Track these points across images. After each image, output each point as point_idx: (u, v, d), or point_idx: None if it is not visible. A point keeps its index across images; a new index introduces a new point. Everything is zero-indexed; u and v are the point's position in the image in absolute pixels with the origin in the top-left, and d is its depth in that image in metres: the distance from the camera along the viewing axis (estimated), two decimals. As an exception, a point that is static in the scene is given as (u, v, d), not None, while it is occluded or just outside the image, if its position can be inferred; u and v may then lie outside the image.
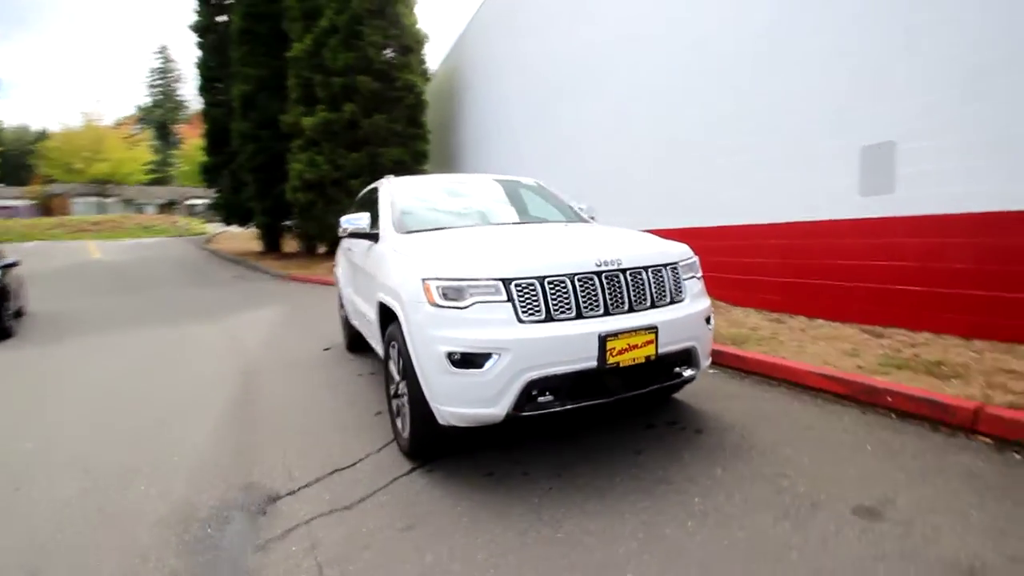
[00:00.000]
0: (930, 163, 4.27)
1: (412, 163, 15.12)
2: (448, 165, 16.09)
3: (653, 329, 2.51)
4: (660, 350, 2.53)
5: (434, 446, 2.74)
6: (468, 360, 2.34)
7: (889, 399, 3.14)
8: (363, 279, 3.77)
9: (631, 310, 2.55)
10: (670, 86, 6.91)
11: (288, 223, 18.95)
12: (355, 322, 4.79)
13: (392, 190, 3.92)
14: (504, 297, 2.39)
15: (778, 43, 5.45)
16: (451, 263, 2.52)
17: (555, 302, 2.42)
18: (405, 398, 2.82)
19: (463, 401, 2.39)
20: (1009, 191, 3.83)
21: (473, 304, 2.38)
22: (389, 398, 3.14)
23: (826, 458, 2.62)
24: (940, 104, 4.18)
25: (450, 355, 2.35)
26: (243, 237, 23.45)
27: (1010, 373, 3.31)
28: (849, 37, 4.80)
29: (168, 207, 42.94)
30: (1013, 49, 3.78)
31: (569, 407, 2.44)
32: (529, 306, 2.39)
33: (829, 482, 2.38)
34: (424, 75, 15.08)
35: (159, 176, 45.99)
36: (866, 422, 3.01)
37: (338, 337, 6.14)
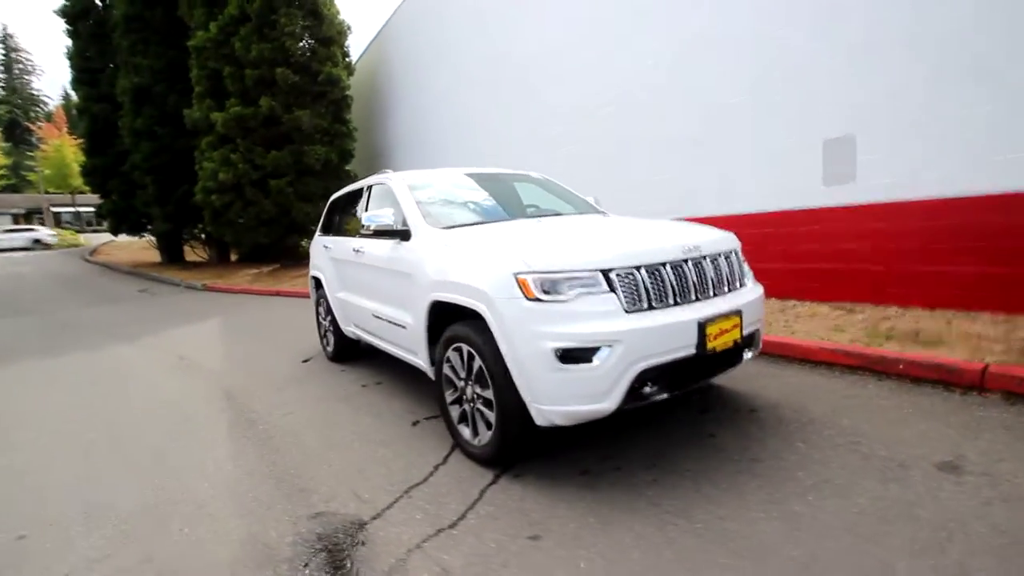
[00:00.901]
0: (885, 156, 4.79)
1: (339, 162, 14.39)
2: (374, 165, 15.46)
3: (739, 313, 2.57)
4: (742, 333, 2.60)
5: (524, 450, 2.60)
6: (577, 355, 2.24)
7: (901, 367, 3.47)
8: (388, 281, 3.49)
9: (715, 296, 2.59)
10: (626, 91, 7.14)
11: (194, 229, 17.18)
12: (353, 329, 4.44)
13: (406, 184, 3.67)
14: (606, 288, 2.32)
15: (754, 46, 5.83)
16: (546, 255, 2.39)
17: (654, 291, 2.40)
18: (479, 402, 2.66)
19: (571, 398, 2.28)
20: (952, 181, 4.39)
21: (577, 296, 2.29)
22: (445, 405, 2.94)
23: (881, 423, 2.83)
24: (896, 103, 4.69)
25: (558, 351, 2.24)
26: (134, 247, 20.96)
27: (981, 337, 3.79)
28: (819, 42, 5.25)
29: (27, 217, 37.23)
30: (955, 60, 4.33)
31: (666, 396, 2.43)
32: (632, 296, 2.35)
33: (899, 444, 2.58)
34: (348, 69, 14.36)
35: (12, 183, 39.73)
36: (890, 388, 3.31)
37: (309, 347, 5.67)
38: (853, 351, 3.71)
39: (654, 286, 2.40)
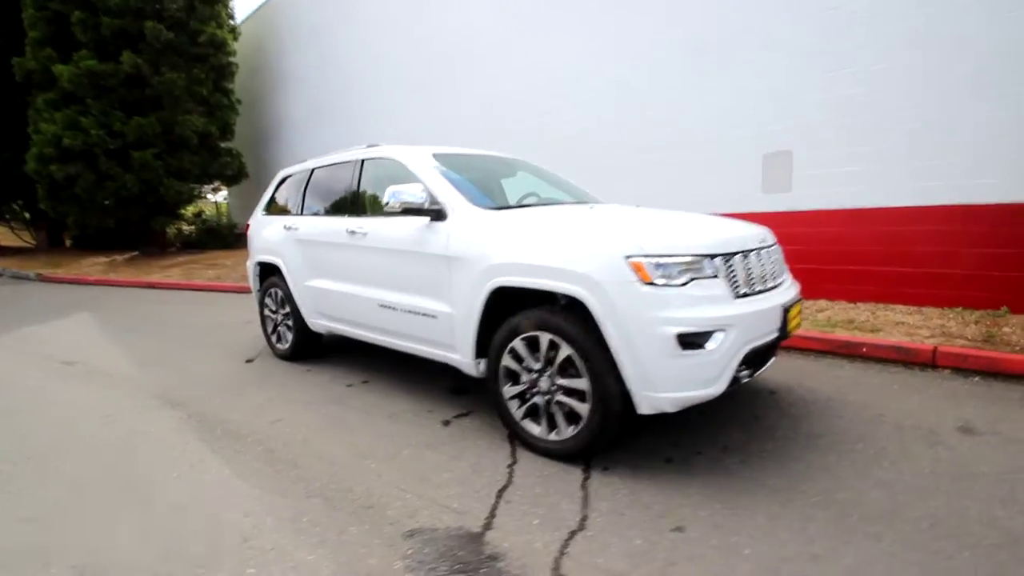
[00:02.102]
0: (817, 169, 5.47)
1: (220, 136, 12.70)
2: (260, 145, 13.93)
3: (800, 300, 2.74)
4: (798, 318, 2.78)
5: (613, 439, 2.48)
6: (695, 340, 2.20)
7: (864, 350, 3.99)
8: (411, 266, 3.11)
9: (781, 283, 2.73)
10: (583, 105, 7.28)
11: (14, 206, 13.84)
12: (324, 322, 3.93)
13: (427, 159, 3.32)
14: (713, 273, 2.31)
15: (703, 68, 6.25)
16: (661, 238, 2.31)
17: (749, 277, 2.45)
18: (558, 394, 2.49)
19: (687, 384, 2.24)
20: (870, 193, 5.17)
21: (690, 281, 2.25)
22: (502, 400, 2.71)
23: (883, 398, 3.21)
24: (826, 123, 5.38)
25: (680, 337, 2.18)
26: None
27: (907, 325, 4.51)
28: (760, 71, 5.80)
29: None
30: (879, 87, 5.09)
31: (748, 378, 2.50)
32: (734, 281, 2.37)
33: (914, 414, 2.94)
34: (234, 33, 12.72)
35: None
36: (864, 368, 3.78)
37: (236, 346, 4.94)
38: (821, 337, 4.17)
39: (748, 272, 2.45)
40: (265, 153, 13.82)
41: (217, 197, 19.21)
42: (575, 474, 2.42)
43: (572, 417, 2.48)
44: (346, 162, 3.89)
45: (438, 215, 3.00)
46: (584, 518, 2.08)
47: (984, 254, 4.62)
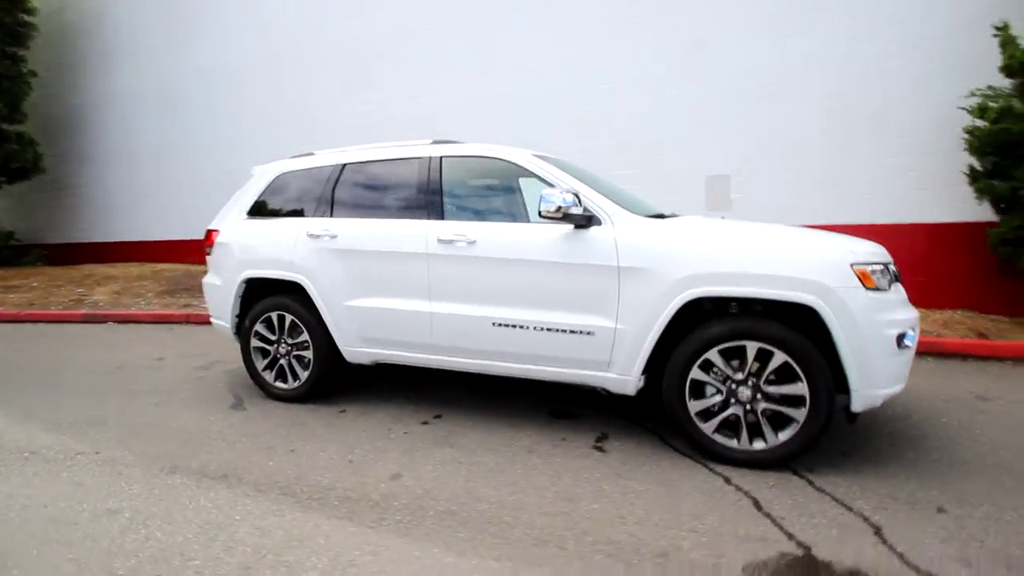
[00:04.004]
0: (751, 192, 6.39)
1: (8, 115, 9.63)
2: (59, 132, 10.96)
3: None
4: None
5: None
6: (903, 340, 2.43)
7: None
8: (557, 279, 2.78)
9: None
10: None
11: None
12: (389, 352, 3.29)
13: (534, 159, 3.04)
14: (896, 278, 2.59)
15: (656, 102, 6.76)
16: (862, 248, 2.51)
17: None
18: (763, 402, 2.50)
19: (895, 379, 2.45)
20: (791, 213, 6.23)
21: (891, 286, 2.48)
22: (689, 417, 2.60)
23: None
24: (761, 154, 6.33)
25: (898, 336, 2.38)
26: None
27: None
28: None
29: None
30: (799, 132, 6.17)
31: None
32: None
33: (937, 389, 3.63)
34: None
35: None
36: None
37: (192, 391, 3.92)
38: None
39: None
40: (71, 142, 10.79)
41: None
42: (789, 478, 2.44)
43: (776, 424, 2.51)
44: (410, 158, 3.31)
45: (589, 222, 2.76)
46: (872, 523, 2.11)
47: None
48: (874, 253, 2.57)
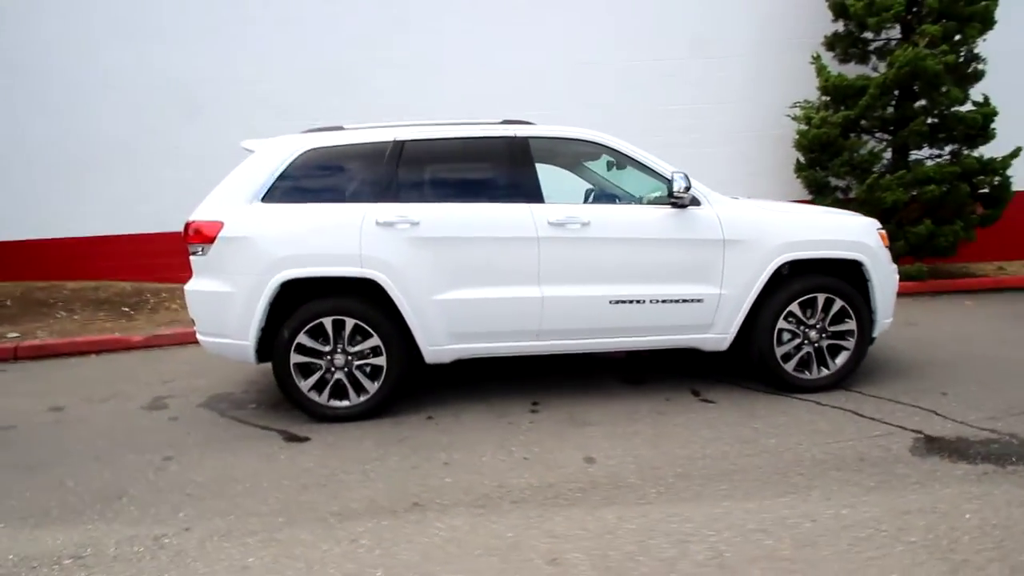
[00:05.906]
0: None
1: None
2: None
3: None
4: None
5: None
6: (895, 283, 3.48)
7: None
8: (668, 254, 3.07)
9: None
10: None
11: None
12: (484, 344, 3.16)
13: (633, 146, 3.24)
14: (885, 240, 3.65)
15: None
16: (875, 219, 3.42)
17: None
18: (825, 340, 3.28)
19: (892, 312, 3.48)
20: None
21: (887, 245, 3.50)
22: (776, 359, 3.21)
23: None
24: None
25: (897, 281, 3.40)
26: None
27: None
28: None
29: None
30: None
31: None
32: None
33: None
34: None
35: None
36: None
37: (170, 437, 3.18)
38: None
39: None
40: None
41: None
42: (854, 394, 3.23)
43: (832, 356, 3.30)
44: (490, 138, 3.11)
45: (692, 202, 3.12)
46: (920, 407, 3.01)
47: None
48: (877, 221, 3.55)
